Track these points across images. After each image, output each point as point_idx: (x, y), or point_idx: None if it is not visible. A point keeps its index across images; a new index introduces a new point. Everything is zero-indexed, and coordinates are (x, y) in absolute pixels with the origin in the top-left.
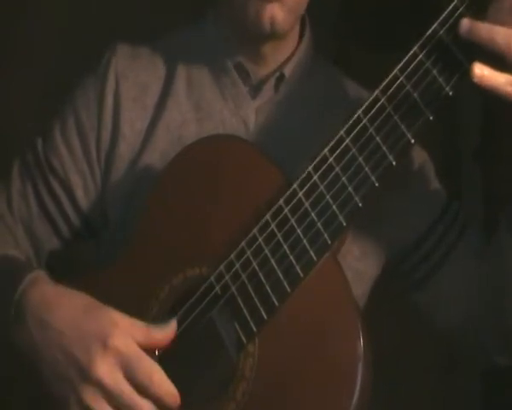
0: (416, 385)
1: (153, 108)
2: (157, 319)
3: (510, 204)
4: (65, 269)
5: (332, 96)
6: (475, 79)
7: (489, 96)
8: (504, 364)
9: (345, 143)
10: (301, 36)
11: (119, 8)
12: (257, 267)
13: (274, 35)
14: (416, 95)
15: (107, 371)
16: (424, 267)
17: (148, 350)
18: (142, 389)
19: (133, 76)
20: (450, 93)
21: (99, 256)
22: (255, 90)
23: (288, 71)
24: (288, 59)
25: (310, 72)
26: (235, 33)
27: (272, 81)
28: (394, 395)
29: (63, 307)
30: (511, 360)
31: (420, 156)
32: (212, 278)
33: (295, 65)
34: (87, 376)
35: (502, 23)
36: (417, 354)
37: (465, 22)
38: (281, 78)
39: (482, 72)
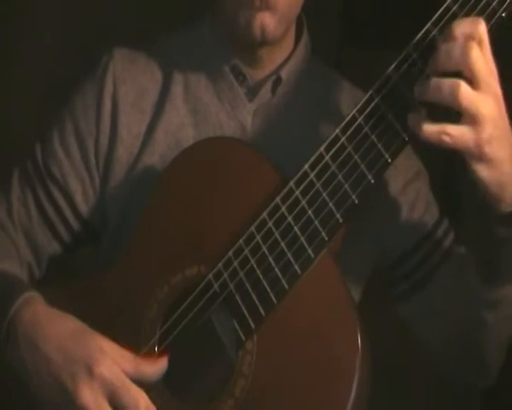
0: (415, 385)
1: (150, 112)
2: (156, 319)
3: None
4: (65, 273)
5: (329, 99)
6: (410, 128)
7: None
8: (481, 385)
9: (340, 142)
10: (298, 38)
11: (118, 11)
12: (255, 265)
13: (265, 42)
14: (410, 95)
15: (91, 397)
16: (411, 280)
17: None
18: None
19: (131, 80)
20: None
21: (99, 259)
22: (252, 92)
23: (284, 74)
24: (285, 62)
25: (307, 74)
26: (230, 38)
27: (269, 84)
28: (393, 396)
29: (53, 331)
30: (487, 383)
31: (414, 166)
32: (211, 276)
33: (292, 68)
34: (72, 402)
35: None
36: (416, 355)
37: (416, 87)
38: (278, 81)
39: (414, 121)
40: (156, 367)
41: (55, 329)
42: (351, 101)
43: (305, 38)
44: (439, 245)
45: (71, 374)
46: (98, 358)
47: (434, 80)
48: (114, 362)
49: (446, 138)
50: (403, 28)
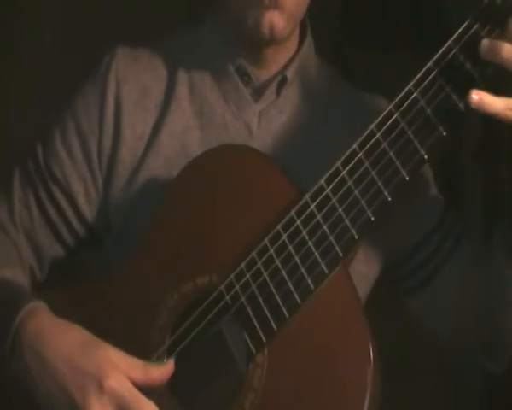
0: (416, 386)
1: (154, 112)
2: (165, 327)
3: (502, 222)
4: (67, 276)
5: (334, 100)
6: (473, 106)
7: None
8: (495, 371)
9: (358, 157)
10: (302, 39)
11: (118, 11)
12: (267, 278)
13: (273, 41)
14: (429, 111)
15: None
16: (420, 274)
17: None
18: None
19: (134, 79)
20: (464, 109)
21: (102, 262)
22: (257, 93)
23: (289, 74)
24: (290, 62)
25: (312, 75)
26: (235, 37)
27: (274, 84)
28: (394, 396)
29: (60, 342)
30: (501, 368)
31: None
32: (223, 287)
33: (297, 68)
34: None
35: None
36: (417, 355)
37: (485, 43)
38: (283, 81)
39: (480, 97)
40: (164, 371)
41: (62, 340)
42: (356, 102)
43: (308, 38)
44: (449, 233)
45: (80, 387)
46: (108, 371)
47: (508, 46)
48: (124, 374)
49: (510, 113)
50: (402, 29)
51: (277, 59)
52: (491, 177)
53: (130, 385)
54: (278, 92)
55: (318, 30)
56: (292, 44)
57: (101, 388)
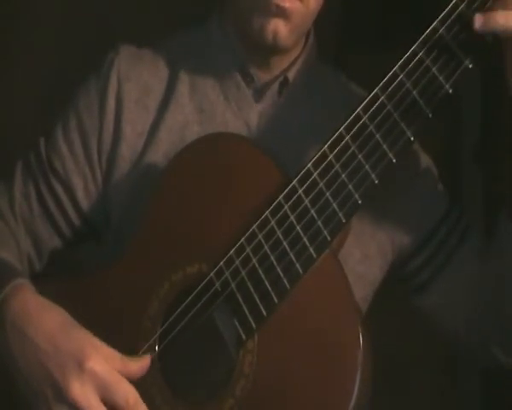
0: (416, 386)
1: (155, 110)
2: (156, 316)
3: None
4: (66, 268)
5: (335, 100)
6: (478, 27)
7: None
8: (508, 363)
9: (345, 141)
10: (305, 41)
11: (118, 11)
12: (256, 264)
13: (276, 48)
14: (415, 93)
15: (81, 391)
16: (427, 270)
17: None
18: None
19: (136, 78)
20: (450, 91)
21: (101, 255)
22: (259, 93)
23: (291, 75)
24: (292, 63)
25: (313, 76)
26: (241, 40)
27: (276, 85)
28: (393, 395)
29: (43, 321)
30: None
31: (423, 160)
32: (213, 275)
33: (299, 69)
34: (61, 394)
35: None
36: (417, 354)
37: (479, 16)
38: (284, 82)
39: (481, 17)
40: (141, 365)
41: (45, 319)
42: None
43: (311, 40)
44: (454, 229)
45: (60, 366)
46: (89, 351)
47: (502, 13)
48: (104, 358)
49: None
50: (402, 29)
51: (281, 64)
52: (491, 177)
53: (110, 367)
54: (280, 93)
55: (318, 31)
56: (295, 50)
57: (81, 367)
